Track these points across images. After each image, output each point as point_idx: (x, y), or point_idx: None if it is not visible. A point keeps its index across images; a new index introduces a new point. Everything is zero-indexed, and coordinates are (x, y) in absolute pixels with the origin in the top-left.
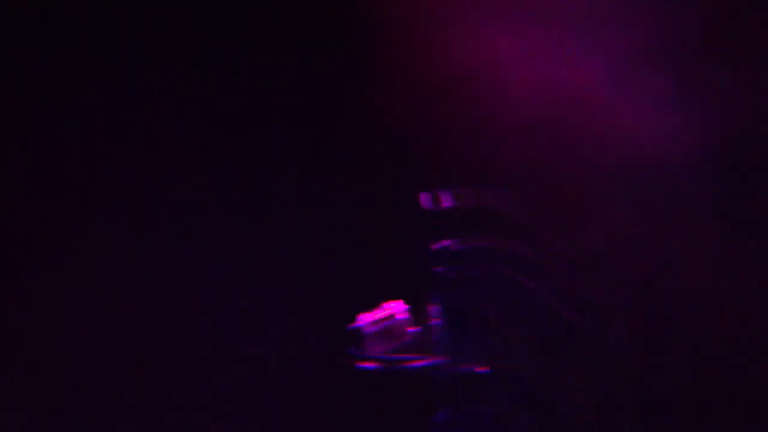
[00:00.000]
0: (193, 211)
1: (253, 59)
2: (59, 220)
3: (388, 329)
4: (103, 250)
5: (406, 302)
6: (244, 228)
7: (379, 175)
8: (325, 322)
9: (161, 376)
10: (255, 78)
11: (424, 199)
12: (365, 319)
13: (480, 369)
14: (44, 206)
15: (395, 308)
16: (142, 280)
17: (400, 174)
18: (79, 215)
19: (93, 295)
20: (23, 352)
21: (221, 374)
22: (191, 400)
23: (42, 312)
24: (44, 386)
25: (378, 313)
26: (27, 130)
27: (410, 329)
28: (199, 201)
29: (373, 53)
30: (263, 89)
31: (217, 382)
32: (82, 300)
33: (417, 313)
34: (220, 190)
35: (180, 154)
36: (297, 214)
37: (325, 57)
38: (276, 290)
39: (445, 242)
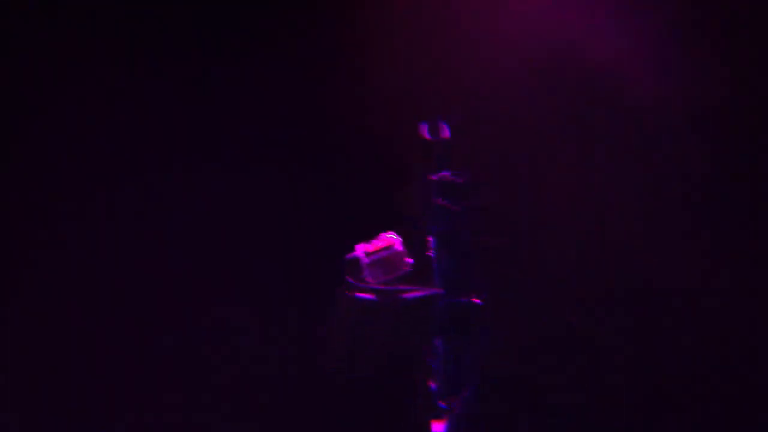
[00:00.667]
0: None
1: None
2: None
3: (385, 260)
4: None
5: (404, 233)
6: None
7: (378, 108)
8: (325, 253)
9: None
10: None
11: (424, 130)
12: (363, 249)
13: (476, 300)
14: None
15: (393, 239)
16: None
17: (400, 106)
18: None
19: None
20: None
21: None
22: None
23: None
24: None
25: (376, 244)
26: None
27: (408, 260)
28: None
29: None
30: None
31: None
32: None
33: (415, 243)
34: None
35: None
36: (296, 142)
37: None
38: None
39: (444, 173)
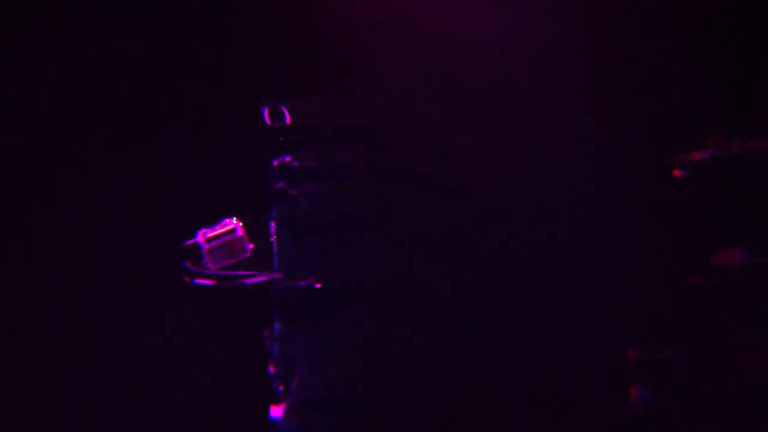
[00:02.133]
0: None
1: None
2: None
3: (225, 245)
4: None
5: (245, 218)
6: None
7: (219, 91)
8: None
9: None
10: None
11: (267, 114)
12: (203, 234)
13: (315, 284)
14: None
15: (234, 224)
16: None
17: (242, 88)
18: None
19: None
20: None
21: None
22: None
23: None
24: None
25: (216, 229)
26: None
27: (248, 245)
28: None
29: None
30: None
31: None
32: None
33: (255, 228)
34: None
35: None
36: (138, 123)
37: None
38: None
39: (286, 158)
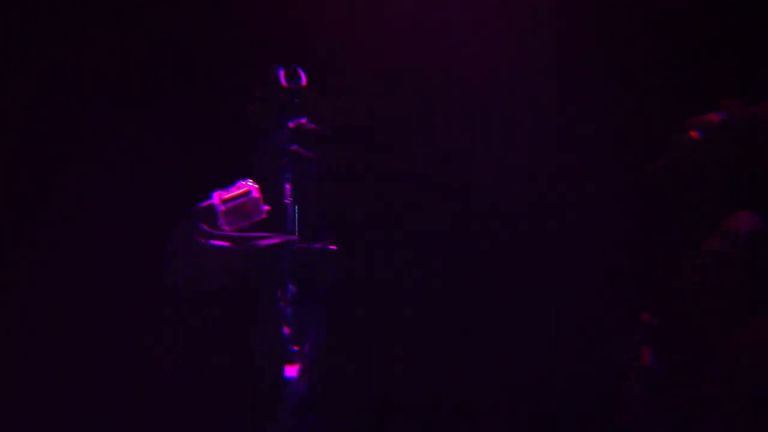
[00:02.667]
0: None
1: None
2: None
3: (241, 206)
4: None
5: (259, 180)
6: None
7: (235, 52)
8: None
9: None
10: None
11: (280, 76)
12: (218, 196)
13: (329, 246)
14: None
15: (249, 185)
16: None
17: (257, 53)
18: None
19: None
20: None
21: None
22: None
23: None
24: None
25: (231, 191)
26: None
27: (263, 207)
28: None
29: None
30: None
31: None
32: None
33: (269, 190)
34: None
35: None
36: (150, 88)
37: None
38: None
39: (300, 120)
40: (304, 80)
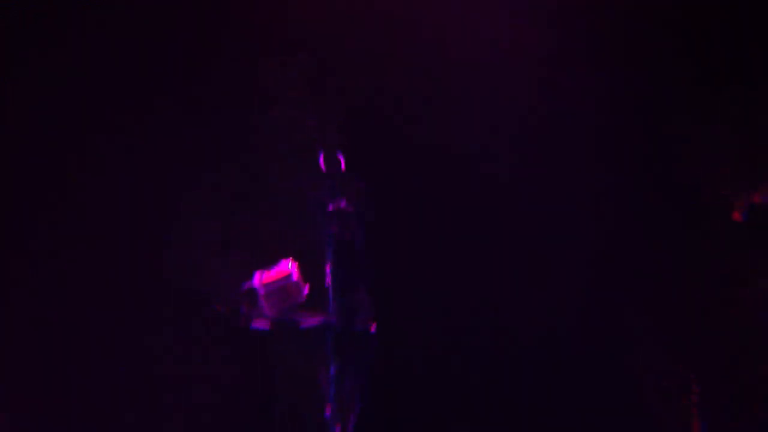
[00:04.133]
0: None
1: None
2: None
3: (282, 289)
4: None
5: (301, 262)
6: None
7: (276, 134)
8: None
9: None
10: None
11: (321, 161)
12: (260, 278)
13: (370, 327)
14: None
15: (290, 268)
16: None
17: (298, 134)
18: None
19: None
20: None
21: None
22: None
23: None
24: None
25: (272, 274)
26: None
27: (304, 289)
28: None
29: None
30: None
31: None
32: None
33: (311, 272)
34: None
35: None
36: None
37: None
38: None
39: (341, 204)
40: (343, 164)
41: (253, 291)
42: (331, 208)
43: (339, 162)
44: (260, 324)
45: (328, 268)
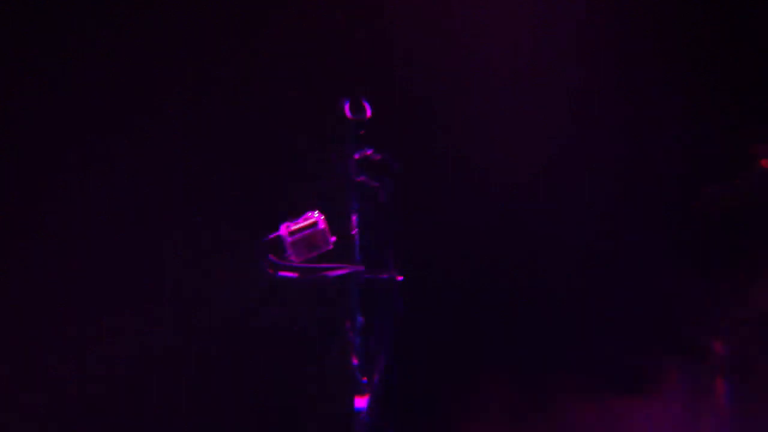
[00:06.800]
0: None
1: None
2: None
3: (308, 238)
4: None
5: (327, 211)
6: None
7: (300, 84)
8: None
9: None
10: None
11: (346, 108)
12: (286, 227)
13: (397, 277)
14: None
15: (316, 217)
16: None
17: (322, 82)
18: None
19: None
20: None
21: None
22: None
23: None
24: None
25: (299, 222)
26: None
27: (331, 238)
28: None
29: None
30: None
31: None
32: None
33: (337, 221)
34: None
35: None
36: (221, 120)
37: None
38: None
39: (367, 151)
40: (369, 112)
41: (280, 240)
42: (357, 156)
43: (364, 108)
44: (287, 273)
45: (354, 218)
